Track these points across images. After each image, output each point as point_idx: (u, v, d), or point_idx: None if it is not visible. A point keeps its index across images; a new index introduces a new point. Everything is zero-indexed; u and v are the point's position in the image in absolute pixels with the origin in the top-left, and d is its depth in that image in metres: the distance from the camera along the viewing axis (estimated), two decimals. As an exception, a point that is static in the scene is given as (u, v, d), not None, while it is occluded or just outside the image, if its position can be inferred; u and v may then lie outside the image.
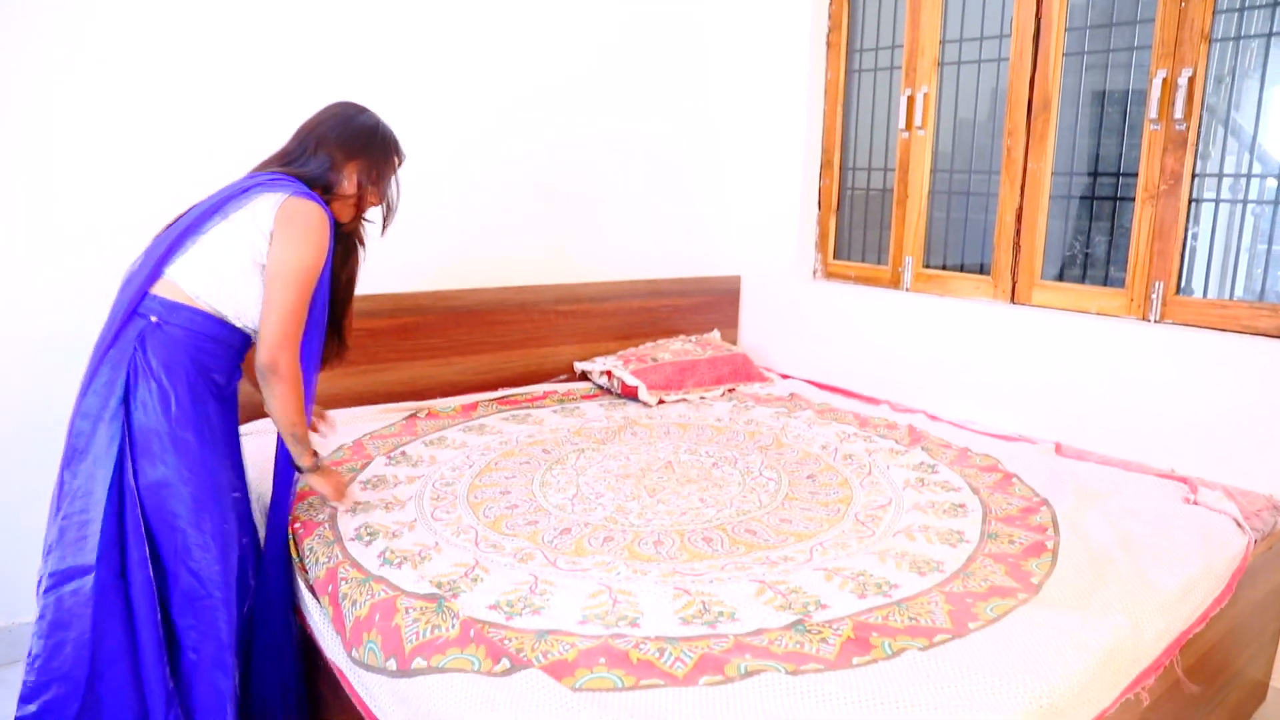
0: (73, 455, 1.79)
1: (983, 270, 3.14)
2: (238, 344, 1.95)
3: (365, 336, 2.96)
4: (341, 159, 1.99)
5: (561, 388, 3.37)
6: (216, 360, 1.91)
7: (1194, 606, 1.88)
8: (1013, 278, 3.01)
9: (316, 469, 2.07)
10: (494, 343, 3.33)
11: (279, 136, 2.06)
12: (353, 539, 2.01)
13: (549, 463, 2.58)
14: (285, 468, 2.05)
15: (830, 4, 3.51)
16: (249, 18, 2.75)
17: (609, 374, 3.34)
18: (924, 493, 2.36)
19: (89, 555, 1.71)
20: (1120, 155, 2.82)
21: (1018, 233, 2.98)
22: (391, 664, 1.58)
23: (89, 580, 1.71)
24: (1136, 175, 2.68)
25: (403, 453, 2.60)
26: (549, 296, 3.43)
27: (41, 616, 1.73)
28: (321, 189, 1.98)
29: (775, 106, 3.69)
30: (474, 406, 3.10)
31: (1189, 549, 2.00)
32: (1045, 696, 1.46)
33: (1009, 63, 2.96)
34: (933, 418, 3.04)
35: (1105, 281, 2.89)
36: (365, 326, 2.95)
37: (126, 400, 1.78)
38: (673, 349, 3.50)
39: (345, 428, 2.75)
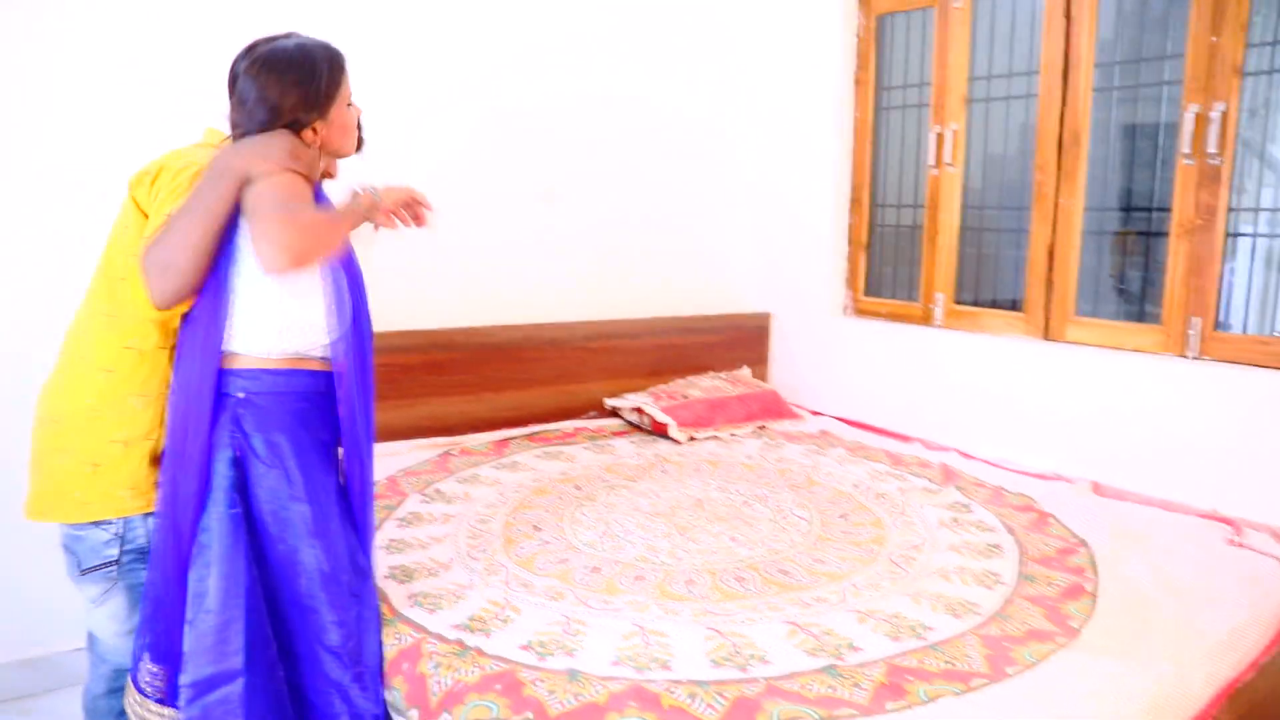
0: (198, 557, 1.62)
1: (1015, 306, 3.12)
2: (332, 392, 1.75)
3: (398, 372, 2.99)
4: None
5: (592, 424, 3.38)
6: (322, 417, 1.75)
7: (1242, 654, 1.83)
8: (1046, 314, 2.99)
9: (372, 198, 1.71)
10: (525, 379, 3.35)
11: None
12: (387, 576, 2.02)
13: (580, 500, 2.58)
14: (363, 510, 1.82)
15: (858, 43, 3.54)
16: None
17: (639, 410, 3.34)
18: (958, 533, 2.34)
19: (234, 660, 1.57)
20: (1153, 190, 2.80)
21: (1050, 268, 2.96)
22: (415, 714, 1.59)
23: (238, 685, 1.57)
24: (1170, 210, 2.66)
25: (437, 490, 2.62)
26: (579, 333, 3.45)
27: None
28: None
29: (804, 144, 3.71)
30: (506, 443, 3.11)
31: (1235, 593, 1.95)
32: (1087, 745, 1.43)
33: (1038, 98, 2.96)
34: (966, 456, 3.00)
35: (1140, 318, 2.86)
36: (398, 362, 2.99)
37: (242, 489, 1.64)
38: (703, 386, 3.49)
39: (378, 463, 2.76)
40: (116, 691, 1.78)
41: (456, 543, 2.25)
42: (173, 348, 1.67)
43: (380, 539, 2.23)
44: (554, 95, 3.38)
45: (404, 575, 2.04)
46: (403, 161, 3.05)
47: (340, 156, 1.84)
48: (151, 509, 1.66)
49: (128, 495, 1.65)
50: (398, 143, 3.03)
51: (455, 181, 3.20)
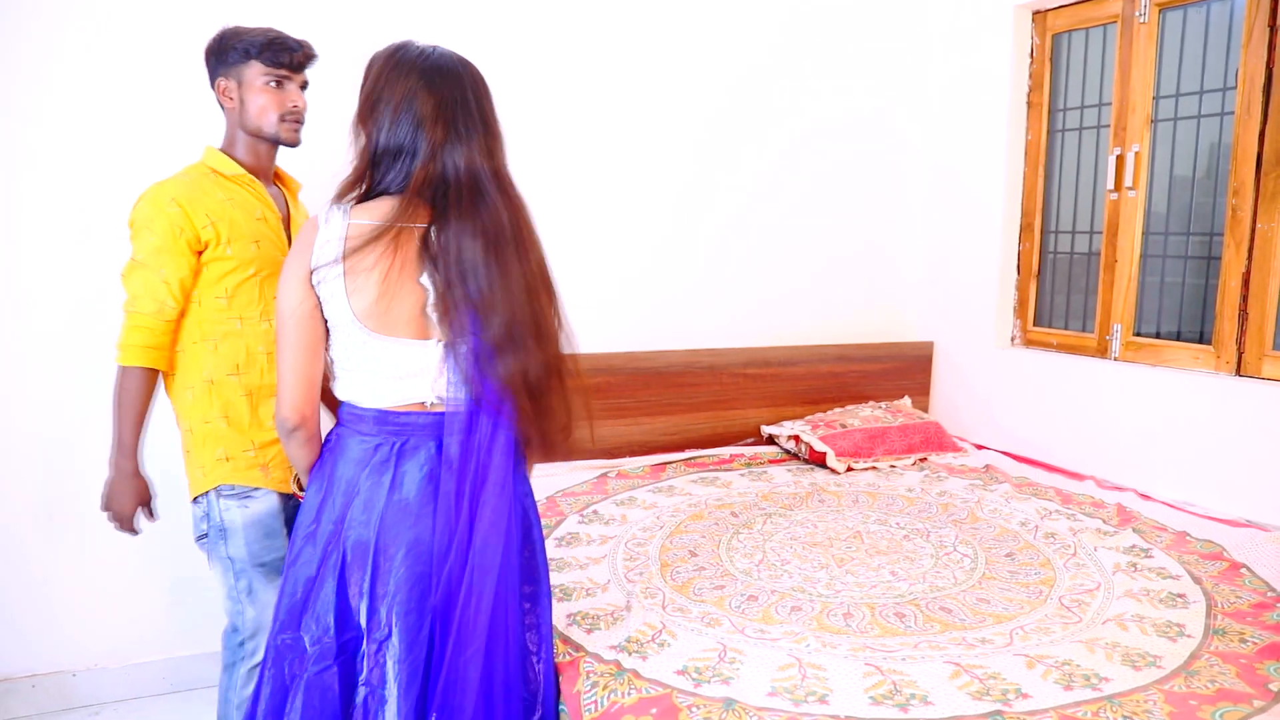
0: None
1: (1202, 339, 2.92)
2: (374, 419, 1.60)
3: (559, 395, 3.08)
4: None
5: (749, 451, 3.38)
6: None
7: None
8: (1239, 348, 2.78)
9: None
10: (682, 404, 3.38)
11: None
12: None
13: (736, 527, 2.59)
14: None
15: (1031, 64, 3.42)
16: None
17: (796, 439, 3.32)
18: (1137, 579, 2.20)
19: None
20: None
21: (1244, 299, 2.76)
22: None
23: None
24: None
25: (594, 511, 2.68)
26: (737, 360, 3.46)
27: None
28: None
29: (972, 168, 3.61)
30: (662, 467, 3.15)
31: None
32: (1286, 819, 1.32)
33: (1234, 117, 2.77)
34: (1144, 497, 2.83)
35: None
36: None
37: None
38: (862, 415, 3.44)
39: (538, 484, 2.85)
40: (230, 637, 2.03)
41: (614, 564, 2.30)
42: (199, 341, 1.93)
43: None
44: (720, 119, 3.42)
45: (563, 594, 2.10)
46: (563, 187, 3.17)
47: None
48: (218, 483, 1.93)
49: (200, 474, 1.95)
50: (555, 170, 3.15)
51: (615, 208, 3.29)
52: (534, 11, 3.09)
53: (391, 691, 1.51)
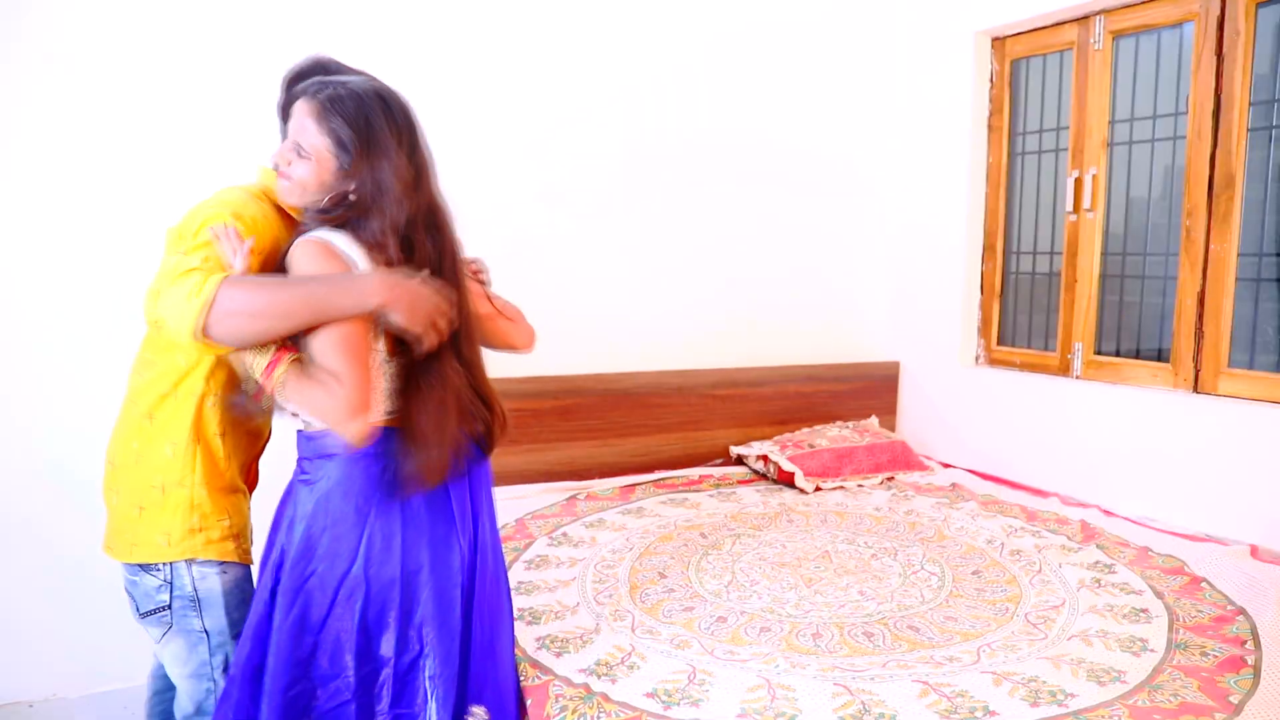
0: None
1: (1161, 357, 2.98)
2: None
3: (528, 417, 3.09)
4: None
5: (718, 472, 3.39)
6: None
7: None
8: (1195, 365, 2.84)
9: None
10: (651, 425, 3.39)
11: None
12: (515, 618, 2.07)
13: (705, 548, 2.59)
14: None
15: (991, 88, 3.49)
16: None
17: (765, 459, 3.33)
18: (1101, 594, 2.23)
19: None
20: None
21: (1200, 317, 2.82)
22: None
23: None
24: (1336, 258, 2.50)
25: (564, 534, 2.67)
26: (705, 381, 3.47)
27: None
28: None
29: (937, 191, 3.66)
30: (632, 489, 3.15)
31: None
32: (1248, 830, 1.34)
33: (1186, 140, 2.84)
34: (1108, 513, 2.87)
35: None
36: (527, 407, 3.08)
37: None
38: (830, 435, 3.46)
39: (507, 506, 2.84)
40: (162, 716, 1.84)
41: (583, 587, 2.29)
42: (202, 395, 1.62)
43: (509, 580, 2.28)
44: (685, 143, 3.45)
45: (532, 617, 2.09)
46: (530, 211, 3.18)
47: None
48: (187, 557, 1.65)
49: (163, 541, 1.64)
50: (525, 194, 3.16)
51: (583, 232, 3.30)
52: (513, 39, 3.11)
53: (431, 707, 1.54)
